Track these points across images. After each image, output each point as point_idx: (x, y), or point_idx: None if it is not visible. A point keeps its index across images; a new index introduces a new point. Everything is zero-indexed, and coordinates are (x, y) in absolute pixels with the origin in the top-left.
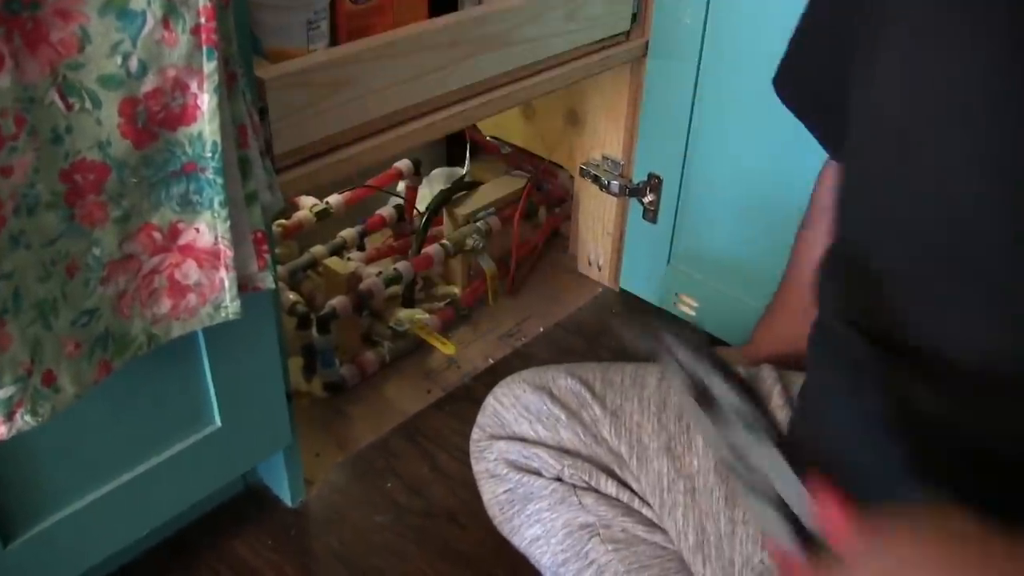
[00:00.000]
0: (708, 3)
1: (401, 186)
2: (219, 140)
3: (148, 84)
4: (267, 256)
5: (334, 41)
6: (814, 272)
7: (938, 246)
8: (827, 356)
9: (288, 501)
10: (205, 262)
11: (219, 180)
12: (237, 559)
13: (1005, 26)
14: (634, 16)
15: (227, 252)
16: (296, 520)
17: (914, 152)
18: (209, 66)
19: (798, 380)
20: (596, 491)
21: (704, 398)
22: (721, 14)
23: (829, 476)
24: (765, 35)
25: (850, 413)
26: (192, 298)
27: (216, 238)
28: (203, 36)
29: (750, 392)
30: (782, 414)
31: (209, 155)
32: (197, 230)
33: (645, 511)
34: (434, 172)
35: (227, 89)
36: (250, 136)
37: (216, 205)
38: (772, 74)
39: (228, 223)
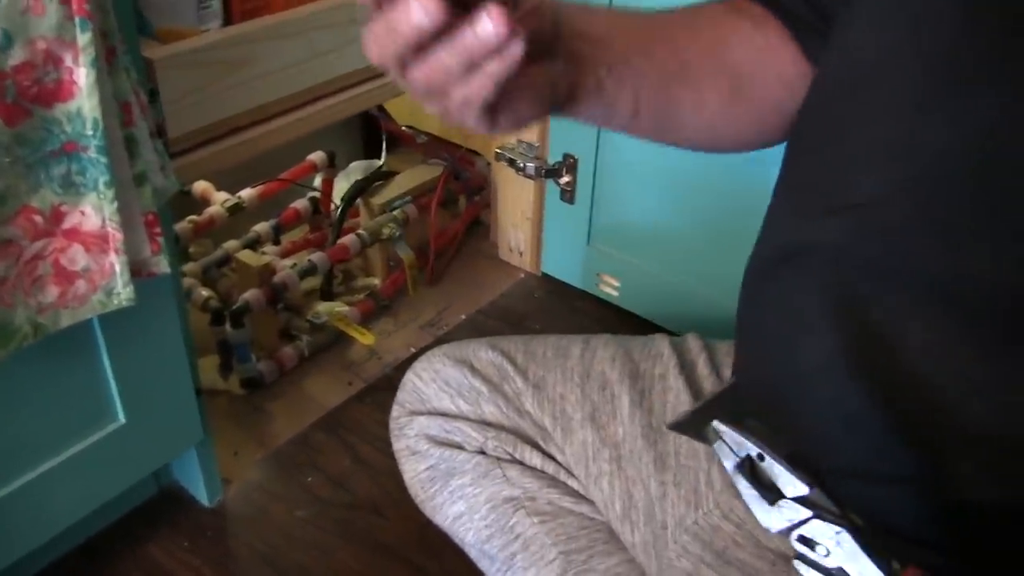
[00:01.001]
0: None
1: (317, 179)
2: (100, 117)
3: (16, 57)
4: (160, 240)
5: (228, 21)
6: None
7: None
8: (787, 293)
9: (205, 501)
10: (93, 246)
11: (103, 159)
12: (152, 563)
13: None
14: None
15: (116, 235)
16: (214, 520)
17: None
18: (83, 38)
19: (722, 347)
20: (520, 463)
21: (755, 476)
22: None
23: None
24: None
25: (812, 347)
26: (81, 284)
27: (103, 221)
28: (74, 6)
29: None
30: (708, 383)
31: (90, 133)
32: (82, 213)
33: (571, 482)
34: (351, 165)
35: (107, 64)
36: (136, 115)
37: (101, 186)
38: None
39: (115, 205)
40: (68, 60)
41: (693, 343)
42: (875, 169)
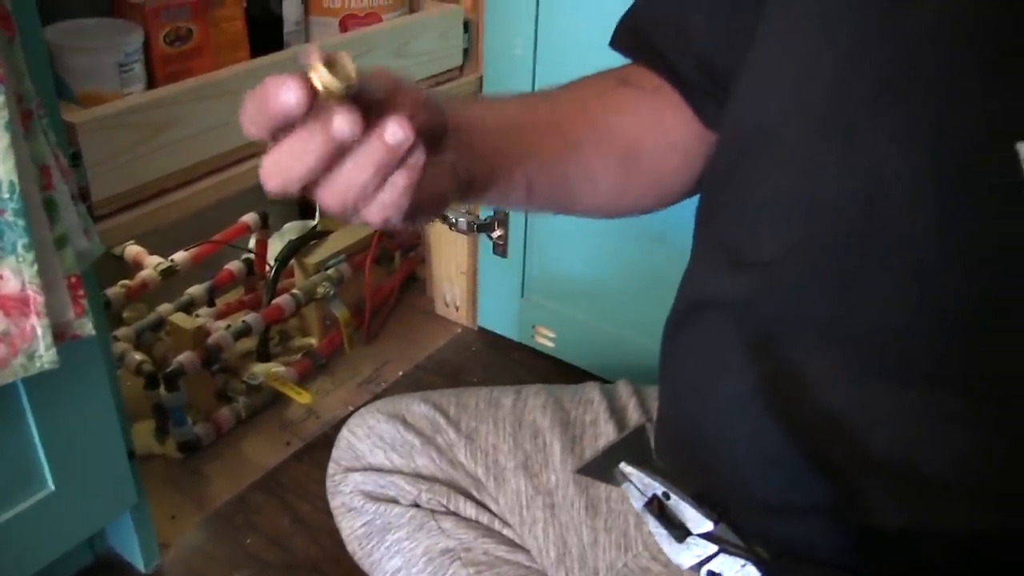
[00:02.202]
0: (536, 33)
1: (251, 241)
2: (16, 180)
3: None
4: (84, 302)
5: (151, 84)
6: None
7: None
8: (708, 339)
9: (141, 567)
10: (13, 310)
11: (20, 222)
12: None
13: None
14: (466, 51)
15: (37, 298)
16: None
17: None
18: None
19: (652, 392)
20: (455, 515)
21: (664, 515)
22: (549, 43)
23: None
24: (592, 59)
25: (728, 390)
26: (1, 348)
27: (23, 284)
28: None
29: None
30: None
31: (7, 196)
32: (1, 276)
33: (506, 531)
34: (285, 226)
35: (23, 128)
36: (55, 178)
37: (20, 249)
38: None
39: (35, 267)
40: None
41: (623, 389)
42: (775, 227)
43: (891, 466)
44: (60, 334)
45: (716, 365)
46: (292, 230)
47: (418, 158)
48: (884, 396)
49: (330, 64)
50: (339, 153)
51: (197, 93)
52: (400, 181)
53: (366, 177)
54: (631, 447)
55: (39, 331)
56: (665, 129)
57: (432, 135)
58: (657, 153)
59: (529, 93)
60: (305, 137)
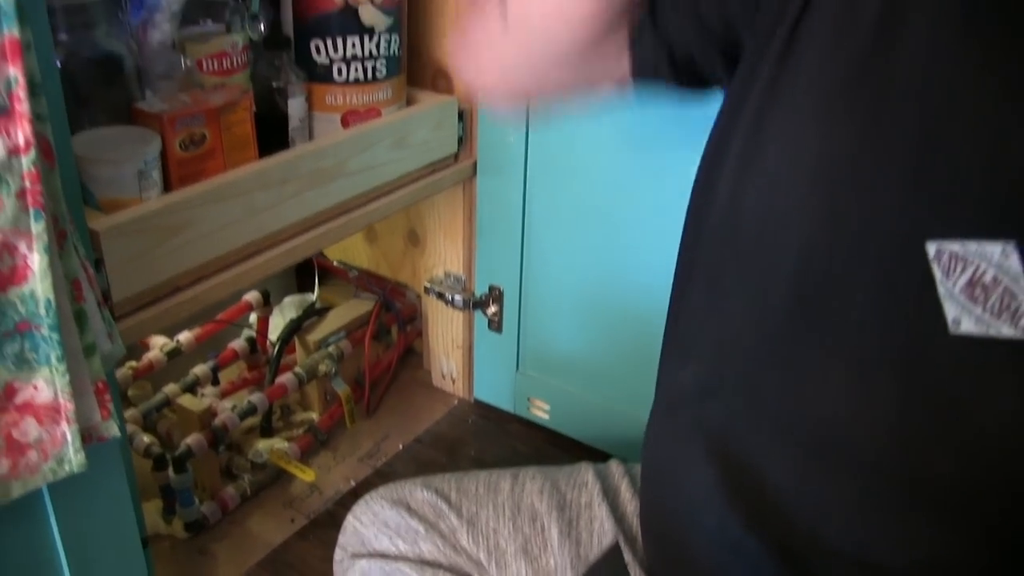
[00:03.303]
0: (528, 122)
1: (252, 317)
2: (52, 297)
3: None
4: (110, 406)
5: (167, 187)
6: None
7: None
8: (674, 431)
9: None
10: (45, 418)
11: (55, 336)
12: None
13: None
14: (460, 139)
15: (68, 405)
16: None
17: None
18: (37, 227)
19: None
20: None
21: None
22: (541, 130)
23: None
24: (580, 145)
25: (695, 481)
26: (33, 455)
27: (56, 393)
28: (29, 199)
29: None
30: (631, 507)
31: (43, 312)
32: (35, 387)
33: None
34: (285, 300)
35: (58, 247)
36: (85, 289)
37: (54, 360)
38: (591, 183)
39: (67, 377)
40: (23, 247)
41: (615, 469)
42: (724, 325)
43: (847, 554)
44: (87, 437)
45: (684, 458)
46: (291, 304)
47: None
48: (834, 486)
49: None
50: None
51: (210, 196)
52: None
53: None
54: (608, 568)
55: (69, 437)
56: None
57: None
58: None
59: None
60: None
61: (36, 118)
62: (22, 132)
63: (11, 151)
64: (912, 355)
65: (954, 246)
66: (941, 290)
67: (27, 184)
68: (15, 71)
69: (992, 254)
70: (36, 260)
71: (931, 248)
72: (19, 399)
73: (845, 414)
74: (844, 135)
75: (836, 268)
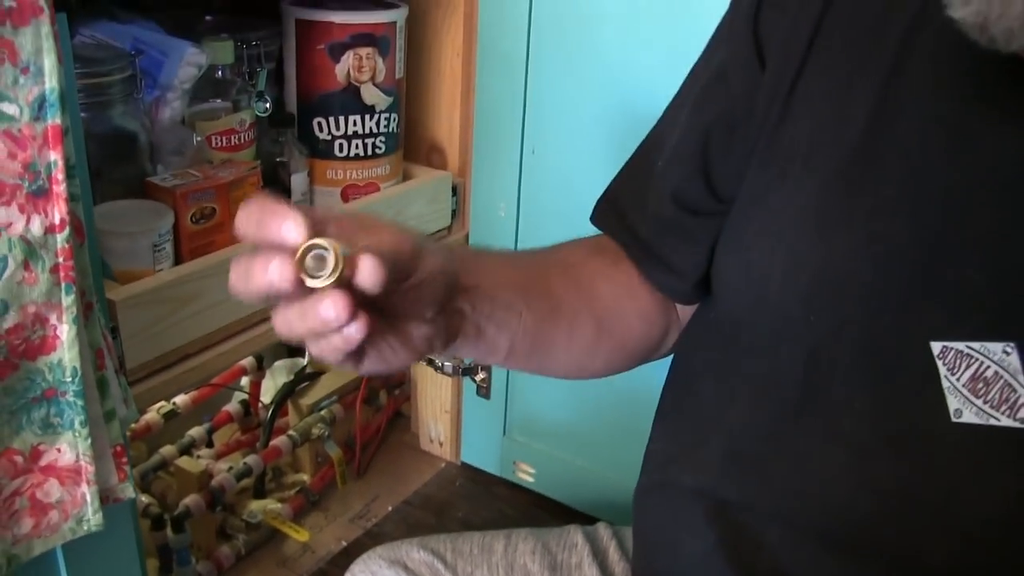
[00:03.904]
0: (519, 197)
1: (245, 381)
2: (79, 366)
3: (10, 321)
4: (127, 468)
5: (178, 259)
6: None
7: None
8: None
9: None
10: (67, 479)
11: (79, 402)
12: None
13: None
14: (454, 213)
15: (89, 468)
16: None
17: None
18: (67, 300)
19: (630, 534)
20: None
21: None
22: (531, 206)
23: None
24: (571, 220)
25: (694, 544)
26: (54, 515)
27: (78, 456)
28: (61, 274)
29: None
30: (619, 568)
31: (69, 380)
32: (59, 450)
33: None
34: (276, 364)
35: (84, 318)
36: (106, 358)
37: (77, 425)
38: None
39: (89, 441)
40: (53, 319)
41: (603, 532)
42: (726, 408)
43: None
44: (104, 498)
45: (680, 527)
46: (283, 368)
47: (353, 333)
48: (823, 559)
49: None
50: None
51: (219, 268)
52: (335, 341)
53: (303, 327)
54: None
55: (88, 498)
56: (632, 299)
57: (432, 305)
58: (627, 321)
59: (518, 253)
60: (252, 267)
61: (70, 198)
62: (59, 211)
63: (48, 229)
64: (913, 443)
65: (959, 345)
66: (945, 384)
67: (60, 260)
68: (56, 156)
69: (994, 352)
70: (65, 331)
71: (936, 347)
72: (44, 461)
73: (845, 497)
74: (842, 245)
75: (842, 362)
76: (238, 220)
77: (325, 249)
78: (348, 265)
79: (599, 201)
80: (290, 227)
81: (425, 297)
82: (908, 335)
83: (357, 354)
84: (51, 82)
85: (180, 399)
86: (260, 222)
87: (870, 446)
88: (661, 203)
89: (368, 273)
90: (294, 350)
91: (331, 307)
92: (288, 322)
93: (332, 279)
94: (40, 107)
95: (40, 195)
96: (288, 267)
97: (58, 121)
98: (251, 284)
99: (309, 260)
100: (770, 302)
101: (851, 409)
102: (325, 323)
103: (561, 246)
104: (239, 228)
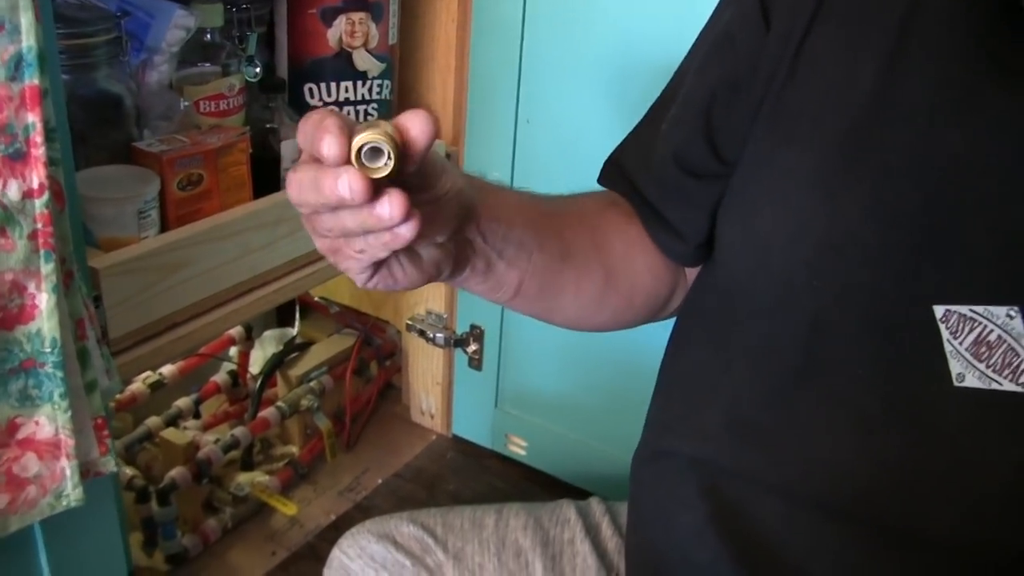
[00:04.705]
0: (513, 166)
1: (234, 351)
2: (58, 336)
3: None
4: (108, 441)
5: (164, 227)
6: None
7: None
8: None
9: None
10: (46, 453)
11: (59, 374)
12: None
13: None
14: None
15: (68, 442)
16: None
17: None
18: (47, 267)
19: (623, 509)
20: None
21: None
22: (526, 176)
23: None
24: (562, 190)
25: (688, 519)
26: (32, 490)
27: (57, 429)
28: (40, 240)
29: None
30: (612, 544)
31: (48, 350)
32: (37, 423)
33: None
34: (265, 334)
35: (64, 287)
36: (87, 328)
37: (56, 397)
38: None
39: (69, 414)
40: (32, 287)
41: (596, 507)
42: (732, 372)
43: None
44: (85, 472)
45: (674, 500)
46: (271, 338)
47: (405, 232)
48: (821, 529)
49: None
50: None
51: (207, 235)
52: (383, 240)
53: (354, 226)
54: None
55: (68, 472)
56: (641, 250)
57: (446, 230)
58: (634, 272)
59: (536, 194)
60: (323, 177)
61: (49, 162)
62: (37, 176)
63: (26, 194)
64: (917, 408)
65: (962, 309)
66: (948, 348)
67: (39, 226)
68: (34, 118)
69: (998, 316)
70: (44, 300)
71: (939, 310)
72: (21, 435)
73: (847, 466)
74: (848, 208)
75: (845, 327)
76: (299, 136)
77: (380, 139)
78: (398, 134)
79: (606, 162)
80: (333, 143)
81: (440, 216)
82: (911, 299)
83: (375, 265)
84: (28, 40)
85: (167, 369)
86: (311, 138)
87: (872, 412)
88: (664, 165)
89: (420, 126)
90: (284, 319)
91: (388, 205)
92: (341, 219)
93: (391, 165)
94: (17, 67)
95: (17, 158)
96: (359, 179)
97: (36, 82)
98: (322, 195)
99: (365, 153)
100: (772, 266)
101: (853, 375)
102: (381, 220)
103: (578, 195)
104: (300, 142)
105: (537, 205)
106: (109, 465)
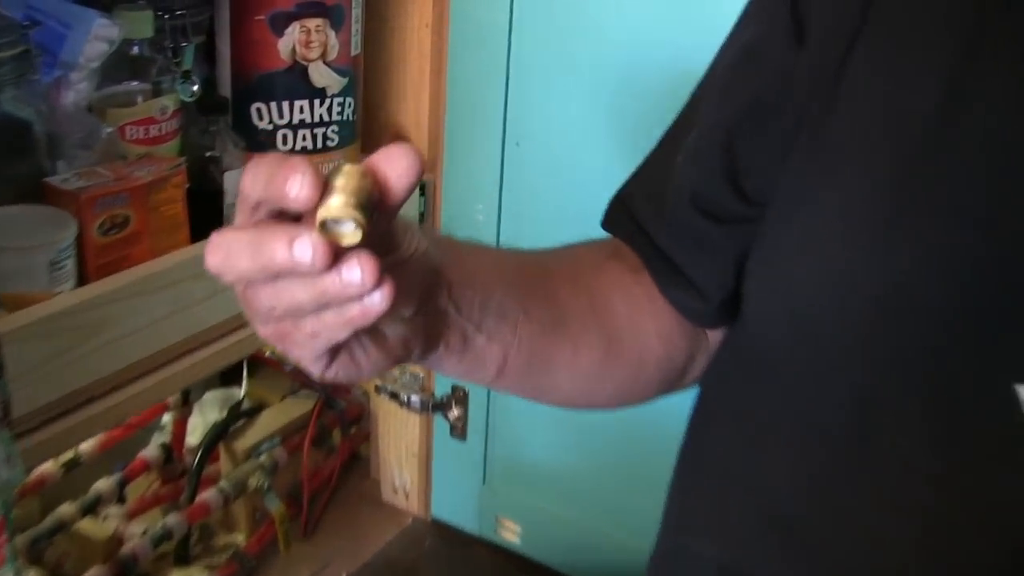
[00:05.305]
0: (501, 198)
1: (167, 419)
2: None
3: None
4: (5, 549)
5: (82, 279)
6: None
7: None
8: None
9: None
10: None
11: None
12: None
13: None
14: (421, 216)
15: None
16: None
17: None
18: None
19: None
20: None
21: None
22: (515, 209)
23: None
24: (564, 230)
25: None
26: None
27: None
28: None
29: None
30: None
31: None
32: None
33: None
34: (206, 397)
35: None
36: None
37: None
38: None
39: None
40: None
41: None
42: (763, 451)
43: None
44: None
45: None
46: (214, 402)
47: (378, 303)
48: None
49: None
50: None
51: (134, 289)
52: (349, 315)
53: (307, 299)
54: None
55: None
56: (651, 312)
57: (411, 297)
58: (641, 337)
59: (517, 251)
60: (268, 238)
61: None
62: None
63: None
64: (994, 513)
65: None
66: None
67: None
68: None
69: None
70: None
71: (1022, 391)
72: None
73: (900, 562)
74: (903, 259)
75: (902, 407)
76: (244, 181)
77: (351, 211)
78: (373, 183)
79: (612, 201)
80: (306, 181)
81: (405, 284)
82: (984, 373)
83: (332, 350)
84: None
85: (84, 444)
86: (272, 177)
87: (937, 512)
88: (679, 206)
89: (402, 169)
90: (228, 378)
91: (360, 269)
92: (289, 292)
93: (360, 234)
94: None
95: None
96: (322, 241)
97: None
98: (262, 260)
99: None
100: (813, 328)
101: (911, 465)
102: (347, 289)
103: (570, 247)
104: (245, 189)
105: (520, 264)
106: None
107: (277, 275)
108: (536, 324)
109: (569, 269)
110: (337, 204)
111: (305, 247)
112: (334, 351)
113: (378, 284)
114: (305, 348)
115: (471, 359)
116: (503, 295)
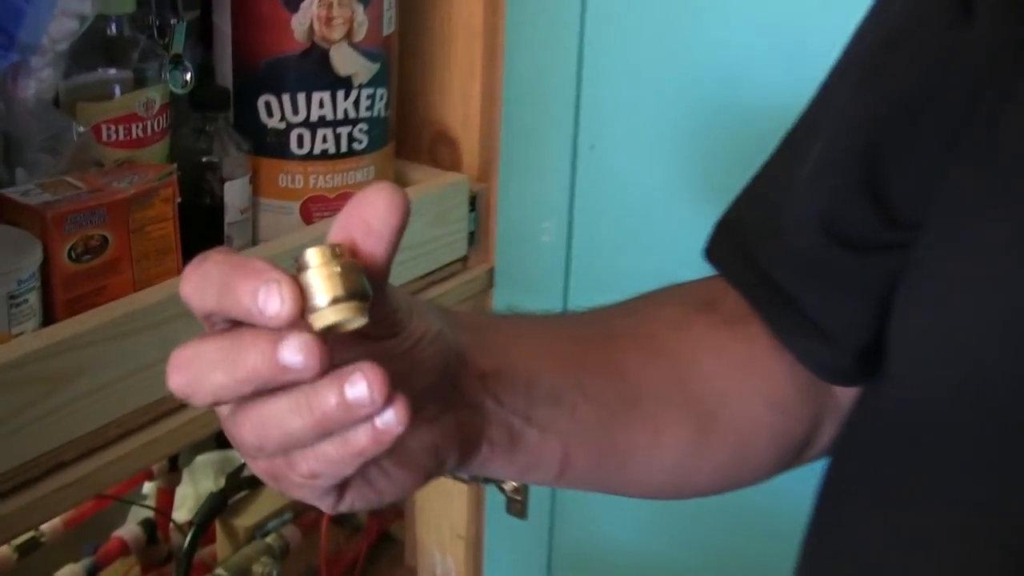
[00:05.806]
0: (572, 213)
1: (149, 488)
2: None
3: None
4: None
5: (49, 317)
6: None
7: None
8: None
9: None
10: None
11: None
12: None
13: None
14: (471, 236)
15: None
16: None
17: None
18: None
19: None
20: None
21: None
22: (591, 228)
23: None
24: (652, 252)
25: None
26: None
27: None
28: None
29: None
30: None
31: None
32: None
33: None
34: (198, 460)
35: None
36: None
37: None
38: None
39: None
40: None
41: None
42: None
43: None
44: None
45: None
46: (206, 468)
47: (393, 425)
48: None
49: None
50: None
51: (113, 329)
52: (357, 444)
53: (301, 426)
54: None
55: None
56: (756, 373)
57: (430, 392)
58: (743, 408)
59: (566, 316)
60: (248, 341)
61: None
62: None
63: None
64: None
65: None
66: None
67: None
68: None
69: None
70: None
71: None
72: None
73: None
74: None
75: None
76: (184, 288)
77: (353, 314)
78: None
79: (715, 227)
80: (285, 293)
81: (418, 376)
82: None
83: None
84: None
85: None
86: (225, 289)
87: None
88: (803, 233)
89: (376, 201)
90: (223, 440)
91: (363, 383)
92: (275, 421)
93: (364, 318)
94: None
95: None
96: (314, 341)
97: None
98: (242, 372)
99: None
100: (989, 385)
101: None
102: (350, 412)
103: (640, 299)
104: (188, 297)
105: (575, 332)
106: None
107: (259, 392)
108: (601, 406)
109: (638, 329)
110: (329, 305)
111: (293, 345)
112: (344, 482)
113: (390, 400)
114: (304, 490)
115: (524, 459)
116: (554, 376)
